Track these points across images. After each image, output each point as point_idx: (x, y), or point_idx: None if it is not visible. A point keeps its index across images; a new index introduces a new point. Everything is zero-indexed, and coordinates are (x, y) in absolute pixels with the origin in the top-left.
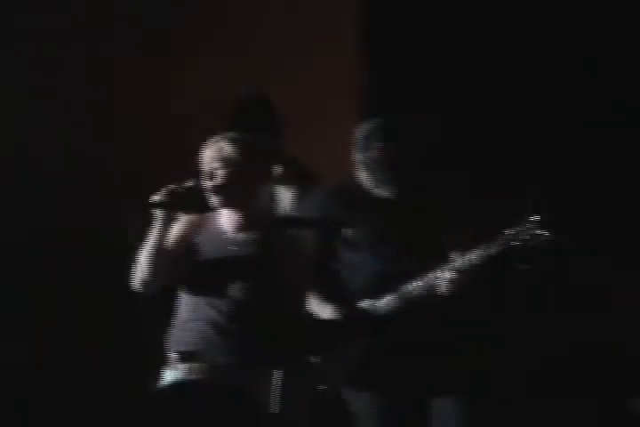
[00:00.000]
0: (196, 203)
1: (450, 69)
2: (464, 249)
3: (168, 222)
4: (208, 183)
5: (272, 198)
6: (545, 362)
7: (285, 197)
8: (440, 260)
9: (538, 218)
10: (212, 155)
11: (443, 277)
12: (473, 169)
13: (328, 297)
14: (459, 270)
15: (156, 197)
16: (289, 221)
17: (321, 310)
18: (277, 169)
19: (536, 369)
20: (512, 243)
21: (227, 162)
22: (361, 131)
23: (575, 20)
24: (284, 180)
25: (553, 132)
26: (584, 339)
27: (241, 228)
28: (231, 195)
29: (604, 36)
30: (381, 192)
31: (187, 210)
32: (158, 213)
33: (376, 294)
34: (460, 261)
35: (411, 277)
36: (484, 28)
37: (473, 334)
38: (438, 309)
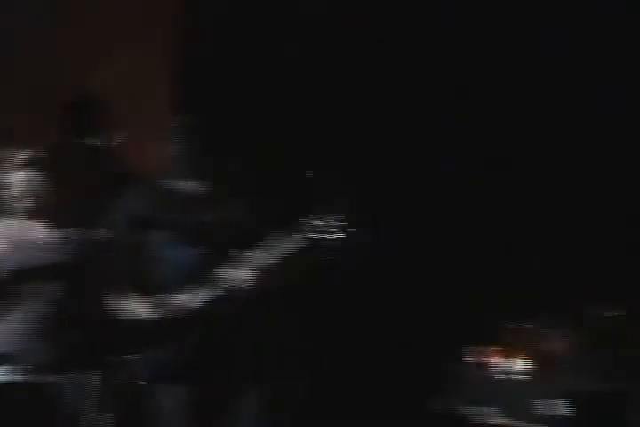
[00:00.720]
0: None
1: (261, 70)
2: (267, 244)
3: None
4: (9, 192)
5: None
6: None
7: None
8: (246, 255)
9: (338, 210)
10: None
11: (248, 273)
12: (276, 164)
13: (141, 295)
14: (264, 265)
15: None
16: (103, 221)
17: (135, 307)
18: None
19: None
20: (313, 235)
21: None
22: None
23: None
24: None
25: (356, 130)
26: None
27: (54, 231)
28: (39, 202)
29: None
30: (189, 189)
31: None
32: None
33: (187, 291)
34: (263, 255)
35: (220, 272)
36: (296, 31)
37: (279, 327)
38: (245, 302)
